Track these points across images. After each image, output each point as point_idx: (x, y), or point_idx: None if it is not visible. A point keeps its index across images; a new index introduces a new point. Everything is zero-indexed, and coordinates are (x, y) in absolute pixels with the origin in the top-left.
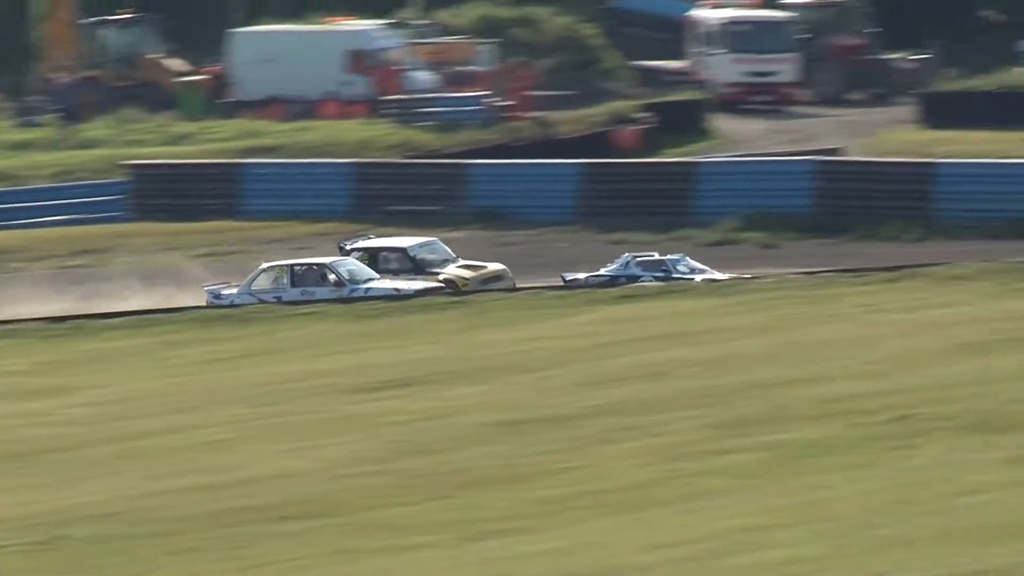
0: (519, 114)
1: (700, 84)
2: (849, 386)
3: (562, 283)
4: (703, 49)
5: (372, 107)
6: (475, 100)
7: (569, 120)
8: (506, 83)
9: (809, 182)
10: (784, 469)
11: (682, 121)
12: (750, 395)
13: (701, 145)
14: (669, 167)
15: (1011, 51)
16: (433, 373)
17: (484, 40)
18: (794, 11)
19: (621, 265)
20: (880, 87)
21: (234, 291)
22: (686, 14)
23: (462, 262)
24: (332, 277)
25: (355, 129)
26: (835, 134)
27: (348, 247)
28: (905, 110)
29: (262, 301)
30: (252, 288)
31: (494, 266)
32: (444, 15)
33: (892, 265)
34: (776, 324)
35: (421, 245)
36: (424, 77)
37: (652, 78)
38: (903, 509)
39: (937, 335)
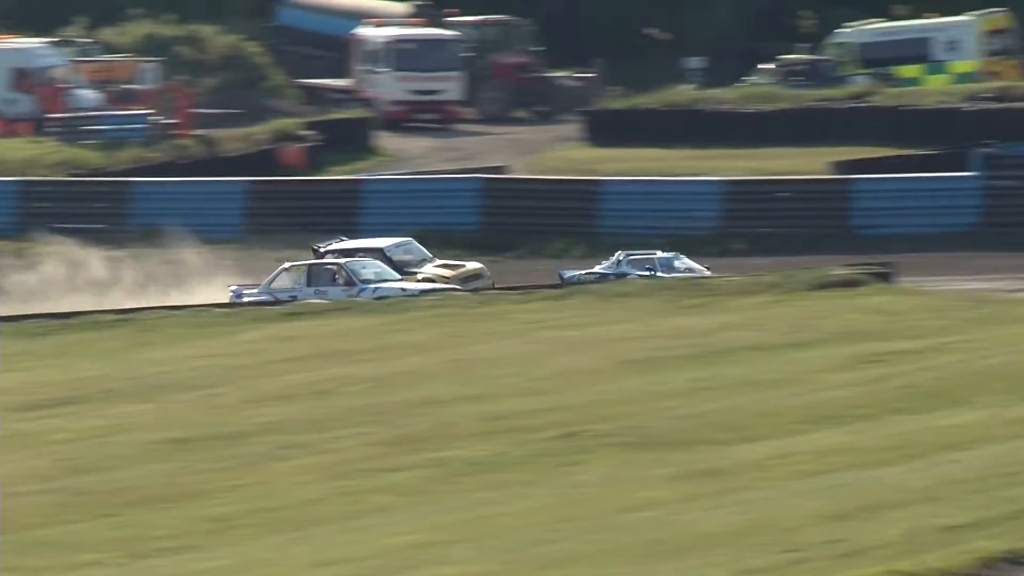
0: (183, 132)
1: (365, 102)
2: (515, 403)
3: (560, 280)
4: (368, 67)
5: (37, 125)
6: (140, 118)
7: (234, 138)
8: (170, 101)
9: (475, 200)
10: (451, 486)
11: (347, 139)
12: (417, 412)
13: (367, 163)
14: (335, 185)
15: (676, 68)
16: (99, 391)
17: (148, 58)
18: (459, 29)
19: (613, 263)
20: (545, 105)
21: (255, 291)
22: (351, 32)
23: (439, 262)
24: (344, 277)
25: (20, 147)
26: (501, 152)
27: (322, 249)
28: (570, 128)
29: (278, 300)
30: (271, 287)
31: (472, 265)
32: (108, 33)
33: (557, 283)
34: (443, 341)
35: (397, 245)
36: (89, 95)
37: (317, 96)
38: (570, 525)
39: (602, 352)
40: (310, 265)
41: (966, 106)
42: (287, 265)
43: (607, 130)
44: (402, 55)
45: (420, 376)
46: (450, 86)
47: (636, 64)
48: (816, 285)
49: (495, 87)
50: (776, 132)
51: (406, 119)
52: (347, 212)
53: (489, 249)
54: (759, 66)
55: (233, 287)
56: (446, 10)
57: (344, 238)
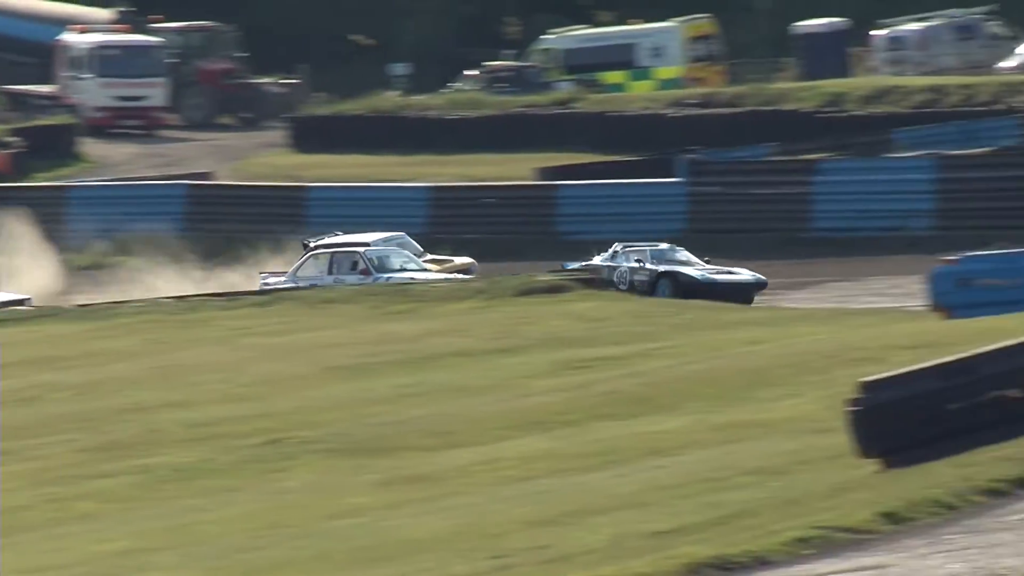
0: None
1: (70, 108)
2: (221, 410)
3: (563, 270)
4: (73, 73)
5: None
6: None
7: None
8: None
9: (180, 206)
10: (157, 492)
11: (52, 145)
12: (122, 419)
13: (71, 169)
14: (40, 191)
15: (382, 75)
16: None
17: None
18: (163, 36)
19: (610, 255)
20: (250, 111)
21: (282, 278)
22: (55, 39)
23: (429, 256)
24: (361, 265)
25: None
26: (206, 158)
27: (313, 244)
28: (276, 134)
29: (297, 288)
30: (297, 275)
31: (461, 259)
32: None
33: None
34: (148, 348)
35: (387, 240)
36: None
37: (22, 102)
38: (276, 532)
39: (308, 359)
40: (332, 252)
41: (671, 112)
42: (316, 251)
43: (312, 136)
44: (106, 61)
45: (126, 382)
46: (154, 92)
47: (341, 70)
48: (521, 291)
49: (200, 93)
50: (481, 138)
51: (110, 125)
52: (53, 218)
53: (194, 255)
54: (465, 72)
55: (264, 274)
56: (150, 16)
57: (339, 233)
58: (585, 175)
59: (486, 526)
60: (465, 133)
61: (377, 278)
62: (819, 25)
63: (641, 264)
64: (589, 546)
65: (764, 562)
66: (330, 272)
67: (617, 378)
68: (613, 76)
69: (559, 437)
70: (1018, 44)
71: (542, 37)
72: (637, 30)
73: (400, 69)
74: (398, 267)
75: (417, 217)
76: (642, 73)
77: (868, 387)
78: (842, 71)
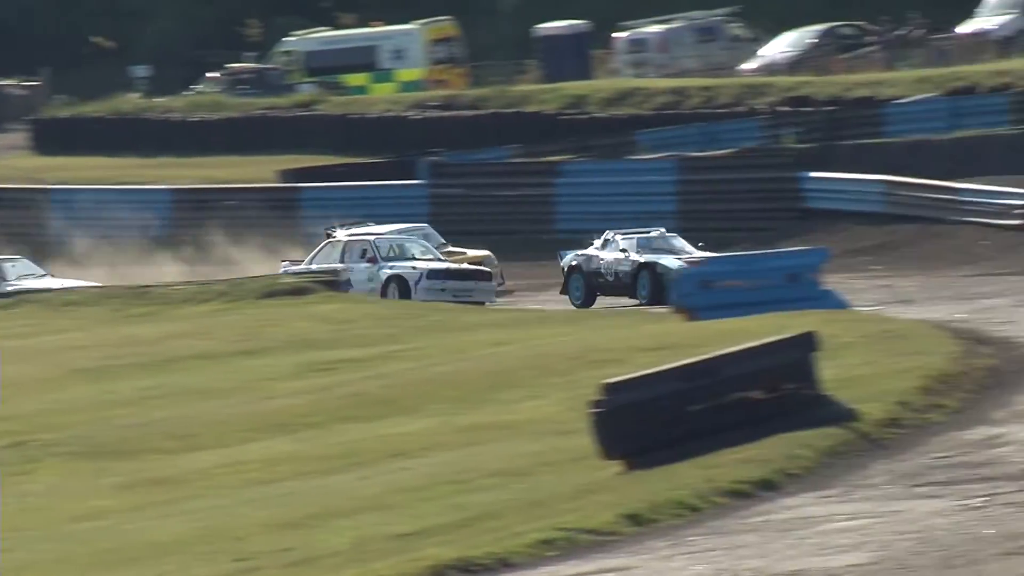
0: None
1: None
2: None
3: (559, 259)
4: None
5: None
6: None
7: None
8: None
9: None
10: None
11: None
12: None
13: None
14: None
15: (123, 77)
16: None
17: None
18: None
19: (601, 243)
20: None
21: (296, 267)
22: None
23: (447, 248)
24: (369, 253)
25: None
26: None
27: (335, 233)
28: (16, 136)
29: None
30: (314, 263)
31: (475, 252)
32: None
33: (6, 292)
34: None
35: (409, 231)
36: None
37: None
38: (20, 535)
39: (50, 361)
40: (346, 241)
41: (413, 114)
42: (336, 238)
43: (54, 138)
44: None
45: None
46: None
47: (82, 72)
48: (264, 293)
49: None
50: (224, 140)
51: None
52: None
53: None
54: (206, 75)
55: (285, 262)
56: None
57: (371, 223)
58: (328, 177)
59: (229, 529)
60: (207, 135)
61: (382, 267)
62: (560, 27)
63: (626, 254)
64: (333, 548)
65: (508, 564)
66: (342, 260)
67: (361, 380)
68: (355, 78)
69: (303, 439)
70: (759, 46)
71: (284, 39)
72: (378, 32)
73: (141, 71)
74: (410, 256)
75: (160, 219)
76: (384, 75)
77: (610, 389)
78: (584, 73)
